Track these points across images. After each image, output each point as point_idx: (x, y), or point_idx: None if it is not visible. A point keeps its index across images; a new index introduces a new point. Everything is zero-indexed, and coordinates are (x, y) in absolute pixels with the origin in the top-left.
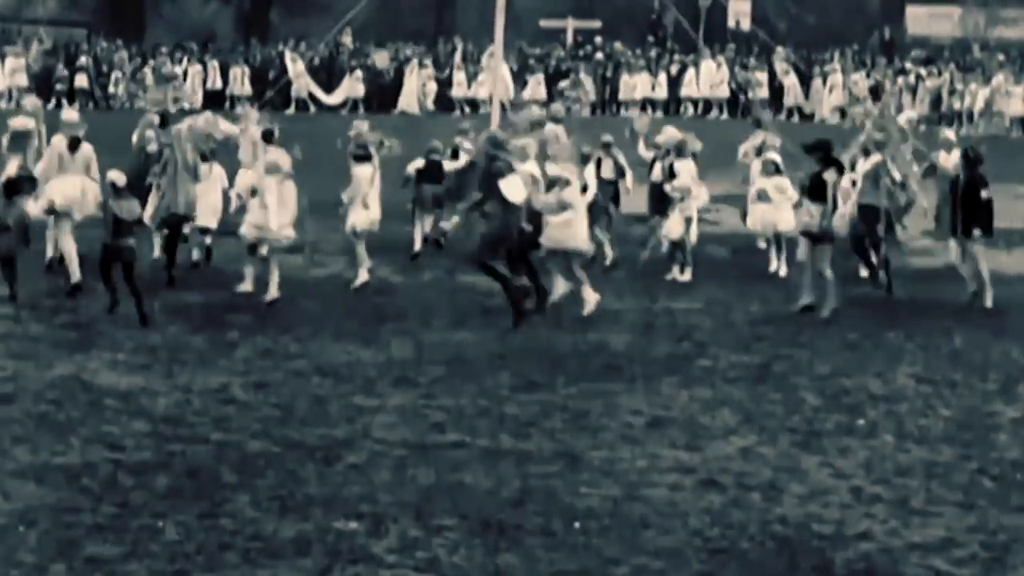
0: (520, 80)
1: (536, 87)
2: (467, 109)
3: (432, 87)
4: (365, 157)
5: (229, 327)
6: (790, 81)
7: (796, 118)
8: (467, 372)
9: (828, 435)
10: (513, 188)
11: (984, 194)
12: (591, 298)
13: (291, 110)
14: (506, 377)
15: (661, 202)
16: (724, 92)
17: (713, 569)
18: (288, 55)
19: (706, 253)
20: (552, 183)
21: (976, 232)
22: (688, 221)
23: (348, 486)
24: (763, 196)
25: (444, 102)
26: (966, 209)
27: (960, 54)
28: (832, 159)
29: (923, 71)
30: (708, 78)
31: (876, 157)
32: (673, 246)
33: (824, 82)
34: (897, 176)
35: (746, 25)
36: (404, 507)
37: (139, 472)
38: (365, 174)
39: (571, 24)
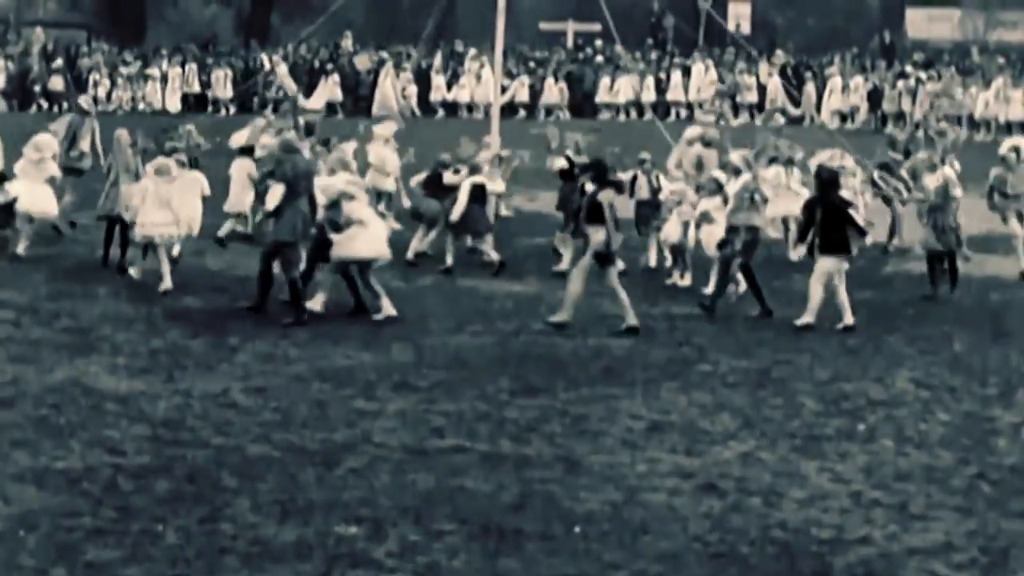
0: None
1: (520, 89)
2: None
3: (413, 90)
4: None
5: (229, 332)
6: (773, 84)
7: (782, 119)
8: (467, 377)
9: (828, 440)
10: (273, 195)
11: (842, 213)
12: (388, 310)
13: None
14: (506, 382)
15: (649, 218)
16: (709, 95)
17: (713, 573)
18: (269, 57)
19: (705, 258)
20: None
21: (830, 254)
22: (686, 225)
23: (348, 490)
24: (706, 217)
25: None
26: (824, 229)
27: (959, 57)
28: (607, 179)
29: (923, 75)
30: (696, 82)
31: (745, 176)
32: (672, 251)
33: (824, 85)
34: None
35: (746, 28)
36: (404, 511)
37: (139, 476)
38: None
39: (571, 27)
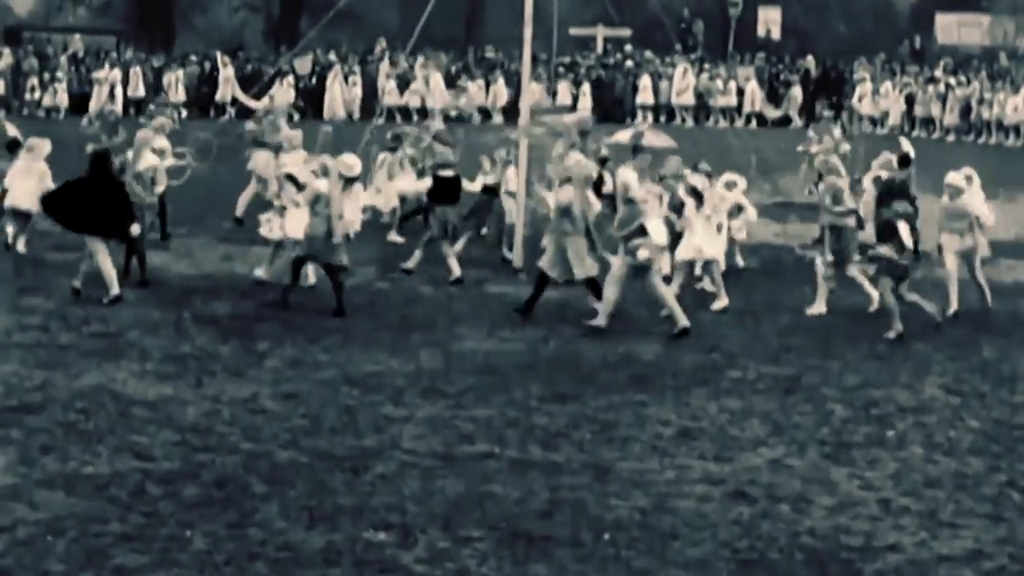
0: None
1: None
2: (398, 117)
3: (357, 93)
4: None
5: (258, 337)
6: (751, 87)
7: (754, 124)
8: (496, 383)
9: (857, 447)
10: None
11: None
12: None
13: (214, 115)
14: (535, 388)
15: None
16: (689, 99)
17: None
18: (220, 58)
19: (735, 264)
20: None
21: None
22: (719, 229)
23: (377, 496)
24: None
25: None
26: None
27: (989, 63)
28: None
29: (953, 80)
30: (675, 85)
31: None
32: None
33: (853, 91)
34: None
35: (776, 34)
36: (433, 518)
37: (167, 482)
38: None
39: (601, 32)
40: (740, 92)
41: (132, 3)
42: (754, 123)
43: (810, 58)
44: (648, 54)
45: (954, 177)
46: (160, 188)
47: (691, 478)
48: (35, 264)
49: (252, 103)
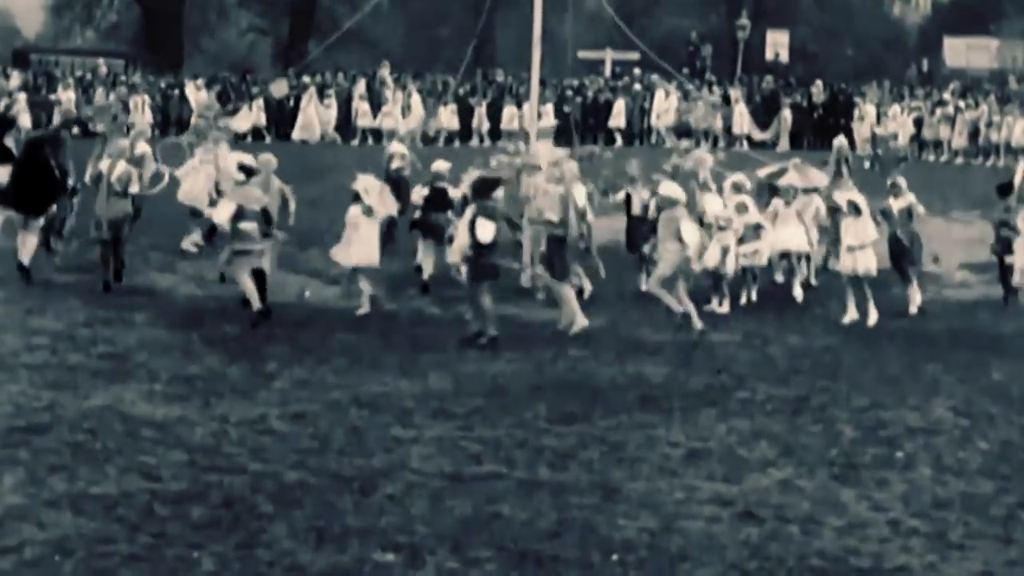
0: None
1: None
2: (370, 140)
3: (332, 115)
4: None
5: (266, 358)
6: (740, 109)
7: (745, 146)
8: (505, 403)
9: (866, 468)
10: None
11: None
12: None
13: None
14: (544, 409)
15: (640, 236)
16: (670, 120)
17: None
18: (190, 84)
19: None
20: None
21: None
22: (725, 251)
23: (385, 517)
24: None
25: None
26: None
27: (998, 86)
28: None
29: (962, 103)
30: (657, 107)
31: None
32: (715, 277)
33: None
34: None
35: (784, 57)
36: (441, 539)
37: (175, 502)
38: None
39: (609, 55)
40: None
41: (141, 25)
42: (744, 145)
43: (819, 83)
44: (655, 77)
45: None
46: (134, 189)
47: (700, 499)
48: (43, 285)
49: (232, 124)
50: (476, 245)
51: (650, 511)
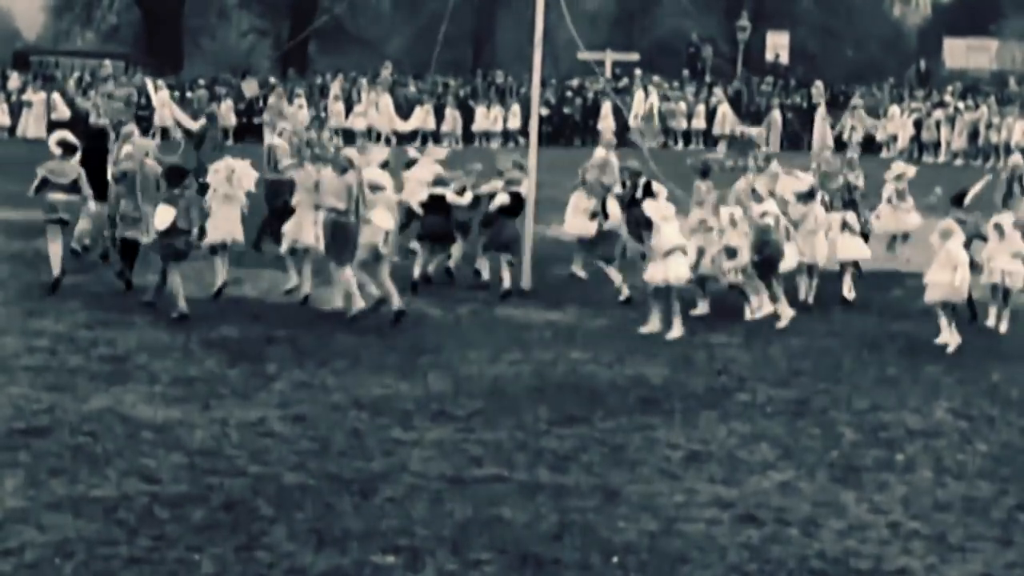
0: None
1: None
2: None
3: (304, 115)
4: None
5: (266, 360)
6: (723, 110)
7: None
8: (505, 406)
9: (866, 470)
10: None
11: None
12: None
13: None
14: (544, 411)
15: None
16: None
17: None
18: (149, 83)
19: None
20: None
21: None
22: (700, 252)
23: (385, 519)
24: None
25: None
26: None
27: (998, 87)
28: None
29: (961, 104)
30: (636, 108)
31: None
32: (699, 280)
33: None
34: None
35: (784, 58)
36: (441, 541)
37: (175, 505)
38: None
39: (609, 57)
40: (712, 115)
41: (141, 27)
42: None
43: (819, 83)
44: (656, 79)
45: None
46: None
47: (700, 501)
48: (43, 287)
49: (191, 124)
50: (158, 231)
51: (650, 513)
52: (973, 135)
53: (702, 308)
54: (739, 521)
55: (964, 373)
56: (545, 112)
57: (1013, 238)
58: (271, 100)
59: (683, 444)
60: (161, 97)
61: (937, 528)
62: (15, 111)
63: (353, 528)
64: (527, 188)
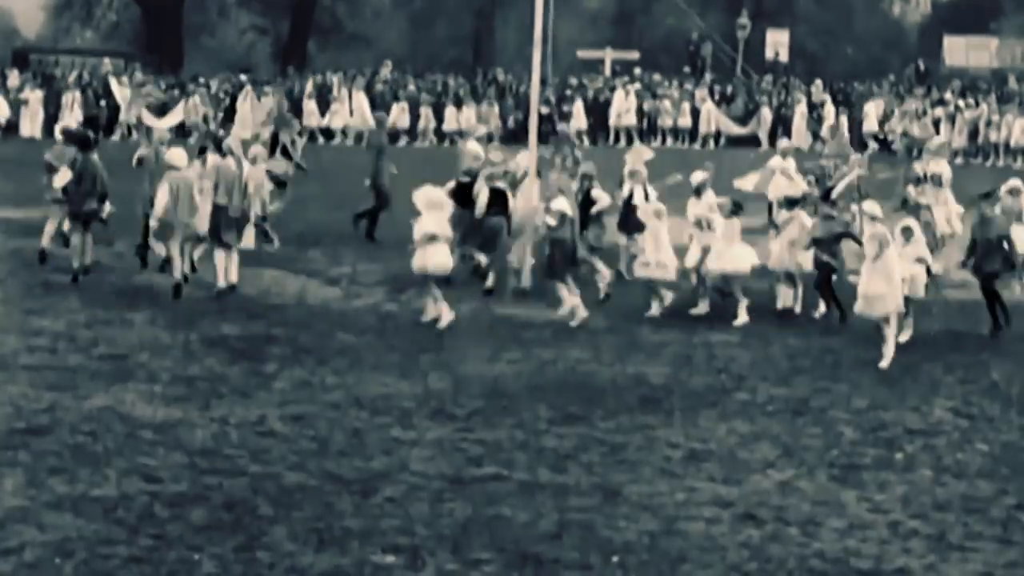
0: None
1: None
2: (320, 138)
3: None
4: None
5: (267, 359)
6: (707, 107)
7: (712, 145)
8: (504, 405)
9: (866, 469)
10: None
11: None
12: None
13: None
14: (544, 410)
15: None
16: (631, 120)
17: None
18: (113, 81)
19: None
20: None
21: None
22: (705, 252)
23: (385, 519)
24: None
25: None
26: None
27: (997, 86)
28: None
29: (961, 103)
30: (617, 107)
31: None
32: (699, 278)
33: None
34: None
35: (784, 56)
36: (441, 540)
37: (175, 504)
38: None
39: (609, 55)
40: (696, 113)
41: (141, 25)
42: (711, 143)
43: (818, 82)
44: (656, 76)
45: None
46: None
47: (700, 501)
48: (43, 286)
49: (155, 123)
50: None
51: (650, 513)
52: (973, 133)
53: (702, 308)
54: (739, 520)
55: (963, 372)
56: (545, 111)
57: (920, 243)
58: (239, 99)
59: (683, 443)
60: (123, 94)
61: (937, 527)
62: (15, 110)
63: (353, 528)
64: (520, 183)
